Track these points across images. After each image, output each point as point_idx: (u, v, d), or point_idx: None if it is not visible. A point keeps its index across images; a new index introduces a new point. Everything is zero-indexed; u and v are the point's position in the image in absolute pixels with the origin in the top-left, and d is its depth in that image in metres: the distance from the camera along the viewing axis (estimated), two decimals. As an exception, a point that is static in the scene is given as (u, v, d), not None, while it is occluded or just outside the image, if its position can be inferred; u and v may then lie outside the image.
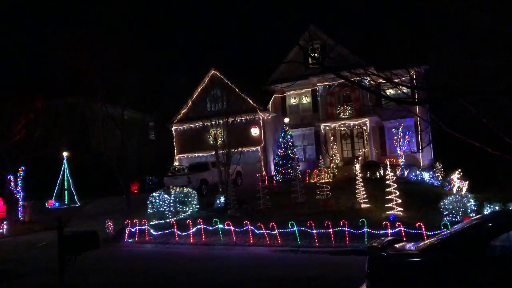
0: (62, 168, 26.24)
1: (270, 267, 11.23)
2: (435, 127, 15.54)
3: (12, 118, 24.21)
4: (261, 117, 28.42)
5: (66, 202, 25.82)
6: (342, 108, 27.72)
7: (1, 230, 19.35)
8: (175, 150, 31.07)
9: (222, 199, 19.62)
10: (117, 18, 22.23)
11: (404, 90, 13.43)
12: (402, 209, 15.00)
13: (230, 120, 21.89)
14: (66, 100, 31.86)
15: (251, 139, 28.22)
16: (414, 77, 13.09)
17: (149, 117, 39.44)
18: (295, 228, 13.30)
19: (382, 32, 18.36)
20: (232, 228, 14.44)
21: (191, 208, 18.82)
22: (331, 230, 12.93)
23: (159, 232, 16.07)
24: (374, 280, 5.51)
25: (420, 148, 24.62)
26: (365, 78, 13.33)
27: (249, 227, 14.09)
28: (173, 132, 31.17)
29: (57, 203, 25.68)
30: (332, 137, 28.44)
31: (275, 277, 9.96)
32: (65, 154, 26.49)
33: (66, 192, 25.95)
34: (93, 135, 30.67)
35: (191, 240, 15.00)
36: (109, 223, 16.94)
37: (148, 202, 18.93)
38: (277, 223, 13.89)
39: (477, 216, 7.82)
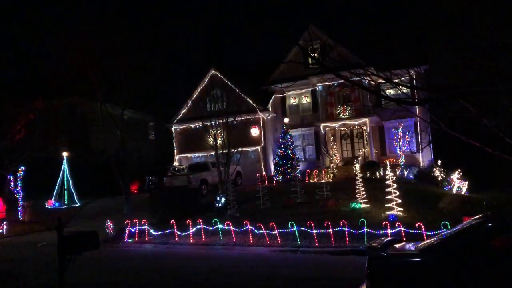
0: (62, 168, 26.24)
1: (270, 267, 11.23)
2: (435, 127, 15.53)
3: (12, 118, 24.19)
4: (261, 117, 28.42)
5: (66, 202, 25.81)
6: (342, 108, 27.69)
7: (1, 230, 19.35)
8: (175, 150, 31.07)
9: (222, 199, 19.58)
10: (116, 17, 22.26)
11: (404, 90, 13.43)
12: (402, 209, 14.99)
13: (230, 120, 21.87)
14: (66, 100, 31.83)
15: (251, 139, 28.22)
16: (414, 77, 13.09)
17: (149, 117, 39.49)
18: (295, 228, 13.29)
19: (382, 32, 18.37)
20: (232, 228, 14.43)
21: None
22: (331, 230, 12.92)
23: (159, 232, 16.07)
24: (374, 280, 5.51)
25: (420, 148, 24.58)
26: (365, 78, 13.33)
27: (249, 227, 14.08)
28: (173, 132, 31.18)
29: (57, 203, 25.67)
30: (332, 137, 28.42)
31: (275, 277, 9.96)
32: (65, 154, 26.50)
33: (66, 192, 25.95)
34: (93, 135, 30.67)
35: (191, 240, 14.99)
36: (109, 223, 16.94)
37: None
38: (277, 223, 13.88)
39: (477, 216, 7.81)
